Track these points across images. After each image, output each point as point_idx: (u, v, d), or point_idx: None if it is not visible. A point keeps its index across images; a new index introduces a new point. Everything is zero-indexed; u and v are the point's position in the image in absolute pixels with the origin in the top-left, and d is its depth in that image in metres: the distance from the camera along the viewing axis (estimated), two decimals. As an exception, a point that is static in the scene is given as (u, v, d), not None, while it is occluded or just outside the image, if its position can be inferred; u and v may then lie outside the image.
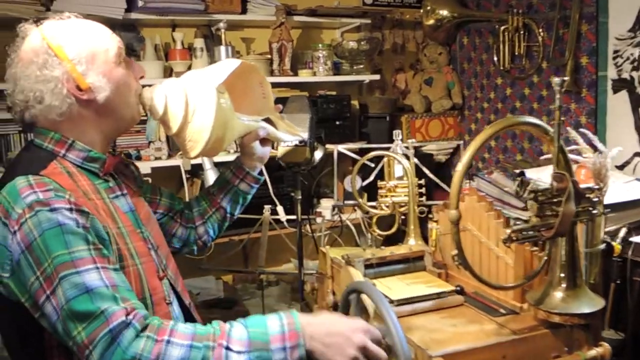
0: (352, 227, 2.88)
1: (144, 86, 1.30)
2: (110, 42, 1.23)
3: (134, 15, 2.66)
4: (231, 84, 1.35)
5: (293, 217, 2.42)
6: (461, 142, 3.29)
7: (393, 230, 2.05)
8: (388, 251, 1.62)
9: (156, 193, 1.54)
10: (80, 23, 1.24)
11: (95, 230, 1.10)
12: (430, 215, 1.80)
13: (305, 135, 1.59)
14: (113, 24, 2.79)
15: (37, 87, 1.15)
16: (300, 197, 2.09)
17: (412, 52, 3.60)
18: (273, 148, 1.63)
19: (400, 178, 2.13)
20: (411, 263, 1.62)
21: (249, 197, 1.60)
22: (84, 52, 1.18)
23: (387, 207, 2.06)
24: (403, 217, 2.09)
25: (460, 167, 1.10)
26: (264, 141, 1.51)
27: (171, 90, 1.27)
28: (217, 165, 2.83)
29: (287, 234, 2.69)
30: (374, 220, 2.07)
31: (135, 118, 1.30)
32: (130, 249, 1.20)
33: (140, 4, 2.56)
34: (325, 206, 3.08)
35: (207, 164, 2.62)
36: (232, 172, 1.56)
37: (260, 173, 1.59)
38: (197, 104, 1.25)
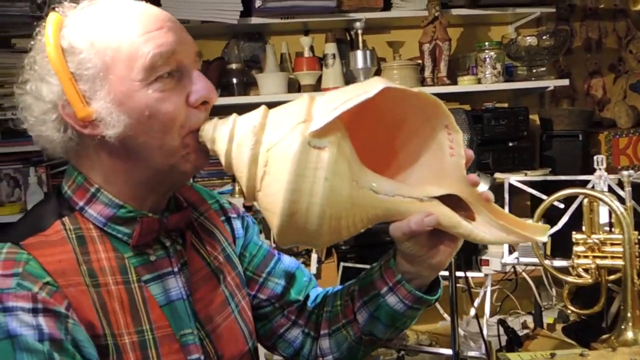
0: (530, 281, 2.33)
1: (216, 115, 0.84)
2: (143, 45, 0.78)
3: (254, 20, 2.34)
4: (390, 124, 0.83)
5: (446, 272, 1.88)
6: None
7: (597, 308, 1.44)
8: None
9: (265, 267, 1.06)
10: (112, 9, 0.81)
11: (75, 343, 0.74)
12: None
13: (544, 238, 0.82)
14: (236, 33, 2.54)
15: (31, 105, 0.82)
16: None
17: (611, 50, 3.05)
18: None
19: (607, 225, 1.51)
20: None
21: (407, 321, 0.95)
22: (94, 60, 0.78)
23: (588, 272, 1.45)
24: (610, 284, 1.48)
25: None
26: (438, 236, 0.84)
27: (241, 129, 0.77)
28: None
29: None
30: (566, 291, 1.47)
31: (180, 167, 0.83)
32: None
33: (257, 4, 2.21)
34: (494, 252, 2.48)
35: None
36: (379, 271, 0.94)
37: (433, 289, 0.94)
38: (271, 160, 0.74)
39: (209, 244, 0.96)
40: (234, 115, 0.80)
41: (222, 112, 2.53)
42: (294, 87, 2.47)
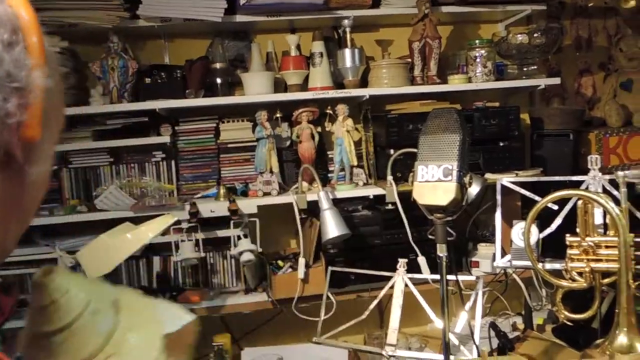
0: (520, 282, 2.33)
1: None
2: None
3: (238, 18, 2.28)
4: None
5: (437, 276, 1.85)
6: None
7: (590, 313, 1.41)
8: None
9: None
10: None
11: None
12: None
13: None
14: (220, 31, 2.47)
15: None
16: (445, 253, 1.53)
17: (602, 48, 3.02)
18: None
19: (601, 227, 1.48)
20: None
21: None
22: (58, 83, 0.61)
23: (582, 276, 1.42)
24: (604, 287, 1.46)
25: None
26: None
27: (99, 298, 0.77)
28: (341, 201, 2.35)
29: (429, 291, 2.14)
30: (559, 296, 1.44)
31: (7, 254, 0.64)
32: None
33: (242, 1, 2.16)
34: (484, 254, 2.46)
35: (324, 202, 2.14)
36: None
37: None
38: (128, 345, 0.76)
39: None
40: (82, 275, 0.79)
41: (206, 113, 2.45)
42: (280, 86, 2.41)
